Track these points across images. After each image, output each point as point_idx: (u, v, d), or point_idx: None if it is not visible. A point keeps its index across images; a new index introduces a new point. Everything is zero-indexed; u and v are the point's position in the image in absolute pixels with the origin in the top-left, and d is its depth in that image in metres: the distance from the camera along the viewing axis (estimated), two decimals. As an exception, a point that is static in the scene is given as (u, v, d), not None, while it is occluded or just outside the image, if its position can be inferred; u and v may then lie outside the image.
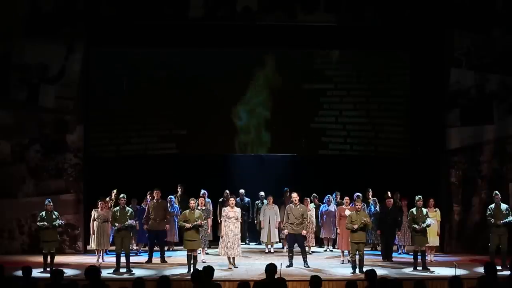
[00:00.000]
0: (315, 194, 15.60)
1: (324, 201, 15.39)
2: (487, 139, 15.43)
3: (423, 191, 13.68)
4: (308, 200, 15.00)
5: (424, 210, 13.08)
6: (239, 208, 13.58)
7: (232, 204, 13.28)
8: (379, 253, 14.57)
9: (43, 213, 12.70)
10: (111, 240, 14.03)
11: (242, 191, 15.93)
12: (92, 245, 14.06)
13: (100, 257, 13.82)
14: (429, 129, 15.80)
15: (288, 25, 15.25)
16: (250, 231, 16.25)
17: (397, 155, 16.14)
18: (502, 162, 15.42)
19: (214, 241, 15.09)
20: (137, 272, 12.45)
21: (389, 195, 14.50)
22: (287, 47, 15.84)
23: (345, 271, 12.61)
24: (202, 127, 15.96)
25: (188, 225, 12.57)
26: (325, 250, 15.58)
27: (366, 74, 16.11)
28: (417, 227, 12.83)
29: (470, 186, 15.45)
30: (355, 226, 12.45)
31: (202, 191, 14.71)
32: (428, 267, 12.75)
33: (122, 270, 12.52)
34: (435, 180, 15.61)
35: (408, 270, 12.78)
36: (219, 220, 15.22)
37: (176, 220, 14.14)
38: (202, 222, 12.98)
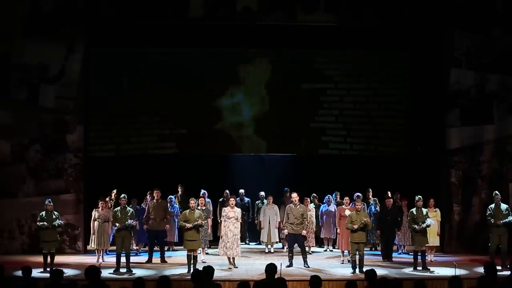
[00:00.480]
0: (315, 194, 15.61)
1: (324, 201, 15.39)
2: (487, 139, 15.43)
3: (423, 191, 13.68)
4: (308, 200, 15.01)
5: (424, 210, 13.08)
6: (239, 208, 13.58)
7: (232, 204, 13.28)
8: (379, 253, 14.57)
9: (43, 213, 12.70)
10: (111, 240, 14.03)
11: (242, 191, 15.94)
12: (92, 245, 14.06)
13: (100, 257, 13.82)
14: (429, 129, 15.80)
15: (288, 25, 15.25)
16: (250, 231, 16.25)
17: (397, 155, 16.14)
18: (502, 162, 15.41)
19: (214, 241, 15.08)
20: (137, 272, 12.45)
21: (389, 195, 14.51)
22: (287, 47, 15.83)
23: (345, 271, 12.61)
24: (202, 126, 15.96)
25: (188, 225, 12.57)
26: (325, 250, 15.58)
27: (366, 74, 16.10)
28: (417, 227, 12.83)
29: (470, 186, 15.45)
30: (355, 226, 12.45)
31: (202, 191, 14.71)
32: (428, 267, 12.75)
33: (122, 270, 12.52)
34: (435, 180, 15.61)
35: (408, 270, 12.78)
36: (219, 220, 15.23)
37: (176, 220, 14.14)
38: (203, 222, 12.99)
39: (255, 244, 16.21)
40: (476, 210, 15.33)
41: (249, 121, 16.15)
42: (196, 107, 15.90)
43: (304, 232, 13.28)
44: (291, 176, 16.31)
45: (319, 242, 15.82)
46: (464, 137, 15.43)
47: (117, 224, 12.75)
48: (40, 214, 12.76)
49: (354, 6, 15.10)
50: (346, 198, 14.24)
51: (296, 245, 13.33)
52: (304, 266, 13.01)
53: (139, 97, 15.79)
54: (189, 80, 15.90)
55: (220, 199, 15.59)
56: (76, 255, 14.59)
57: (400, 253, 14.71)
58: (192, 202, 12.88)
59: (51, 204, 12.85)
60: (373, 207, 14.95)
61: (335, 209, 14.88)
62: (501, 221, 12.87)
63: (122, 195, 13.13)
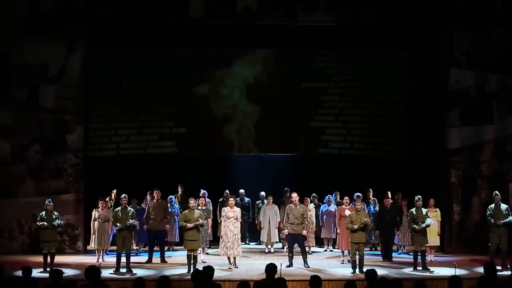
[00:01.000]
0: (315, 194, 15.60)
1: (324, 201, 15.39)
2: (487, 139, 15.43)
3: (423, 191, 13.68)
4: (308, 200, 15.01)
5: (424, 210, 13.08)
6: (238, 208, 13.57)
7: (232, 204, 13.27)
8: (379, 253, 14.57)
9: (43, 213, 12.70)
10: (111, 240, 14.03)
11: (242, 191, 15.93)
12: (93, 245, 14.05)
13: (100, 257, 13.82)
14: (429, 129, 15.80)
15: (288, 25, 15.25)
16: (250, 231, 16.25)
17: (397, 155, 16.14)
18: (502, 162, 15.42)
19: (214, 241, 15.09)
20: (137, 272, 12.45)
21: (389, 195, 14.51)
22: (287, 47, 15.84)
23: (345, 271, 12.61)
24: (202, 126, 15.97)
25: (189, 225, 12.56)
26: (325, 250, 15.58)
27: (366, 74, 16.12)
28: (416, 227, 12.83)
29: (470, 186, 15.45)
30: (355, 226, 12.45)
31: (202, 191, 14.71)
32: (428, 267, 12.75)
33: (123, 270, 12.51)
34: (435, 180, 15.61)
35: (408, 270, 12.78)
36: (219, 220, 15.23)
37: (177, 220, 14.14)
38: (204, 222, 12.99)
39: (255, 244, 16.21)
40: (476, 210, 15.33)
41: (249, 120, 16.15)
42: (196, 107, 15.91)
43: (304, 232, 13.28)
44: (291, 176, 16.31)
45: (319, 242, 15.82)
46: (464, 137, 15.43)
47: (118, 224, 12.74)
48: (40, 214, 12.75)
49: (354, 6, 15.10)
50: (346, 198, 14.24)
51: (296, 245, 13.33)
52: (304, 266, 13.01)
53: (139, 96, 15.80)
54: (189, 80, 15.92)
55: (220, 199, 15.59)
56: (76, 255, 14.59)
57: (400, 253, 14.71)
58: (192, 202, 12.87)
59: (51, 204, 12.84)
60: (372, 207, 14.95)
61: (335, 209, 14.88)
62: (501, 221, 12.87)
63: (123, 195, 13.12)
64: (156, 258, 13.83)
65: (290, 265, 13.04)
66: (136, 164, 15.88)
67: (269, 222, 15.14)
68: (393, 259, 14.04)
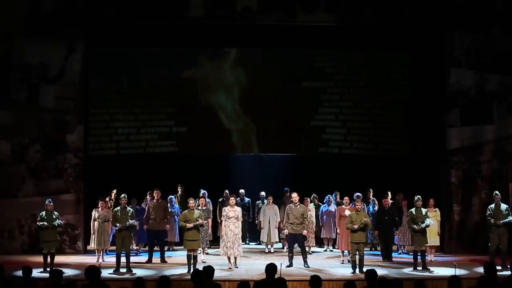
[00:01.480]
0: (315, 194, 15.60)
1: (324, 201, 15.39)
2: (487, 139, 15.43)
3: (423, 191, 13.68)
4: (308, 200, 15.01)
5: (424, 210, 13.08)
6: (239, 208, 13.57)
7: (233, 203, 13.27)
8: (379, 253, 14.57)
9: (43, 213, 12.70)
10: (111, 240, 14.03)
11: (242, 191, 15.93)
12: (93, 245, 14.06)
13: (100, 257, 13.82)
14: (429, 129, 15.80)
15: (288, 25, 15.25)
16: (250, 231, 16.25)
17: (397, 154, 16.14)
18: (502, 162, 15.42)
19: (214, 241, 15.09)
20: (137, 272, 12.45)
21: (389, 195, 14.50)
22: (287, 47, 15.84)
23: (345, 271, 12.61)
24: (201, 125, 15.97)
25: (189, 225, 12.56)
26: (325, 250, 15.58)
27: (366, 74, 16.12)
28: (416, 227, 12.83)
29: (470, 186, 15.45)
30: (355, 226, 12.45)
31: (202, 191, 14.71)
32: (428, 267, 12.75)
33: (122, 270, 12.52)
34: (435, 180, 15.61)
35: (408, 270, 12.78)
36: (219, 220, 15.24)
37: (177, 220, 14.13)
38: (204, 222, 12.99)
39: (255, 244, 16.22)
40: (476, 210, 15.33)
41: (249, 120, 16.15)
42: (195, 106, 15.92)
43: (304, 232, 13.28)
44: (291, 176, 16.31)
45: (319, 242, 15.82)
46: (464, 137, 15.43)
47: (118, 224, 12.75)
48: (40, 214, 12.76)
49: (354, 6, 15.10)
50: (346, 198, 14.24)
51: (296, 245, 13.33)
52: (304, 266, 13.01)
53: (139, 95, 15.81)
54: (188, 80, 15.92)
55: (220, 199, 15.59)
56: (76, 255, 14.59)
57: (400, 253, 14.71)
58: (191, 202, 12.87)
59: (51, 204, 12.84)
60: (371, 207, 14.95)
61: (335, 209, 14.87)
62: (501, 221, 12.87)
63: (122, 195, 13.13)
64: (156, 258, 13.83)
65: (290, 265, 13.04)
66: (136, 164, 15.88)
67: (269, 222, 15.14)
68: (393, 259, 14.04)
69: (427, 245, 13.16)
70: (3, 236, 14.96)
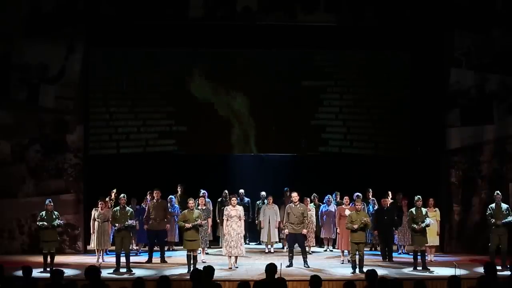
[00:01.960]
0: (315, 194, 15.60)
1: (324, 201, 15.39)
2: (487, 139, 15.42)
3: (423, 191, 13.68)
4: (308, 200, 15.01)
5: (424, 210, 13.08)
6: (241, 207, 13.56)
7: (234, 203, 13.26)
8: (379, 253, 14.57)
9: (43, 213, 12.70)
10: (111, 240, 14.03)
11: (242, 191, 15.92)
12: (92, 245, 14.07)
13: (100, 257, 13.82)
14: (429, 129, 15.80)
15: (288, 25, 15.25)
16: (250, 231, 16.23)
17: (397, 154, 16.13)
18: (502, 162, 15.41)
19: (214, 241, 15.10)
20: (137, 272, 12.45)
21: (390, 195, 14.50)
22: (287, 47, 15.83)
23: (345, 271, 12.61)
24: (201, 124, 15.97)
25: (188, 225, 12.57)
26: (325, 250, 15.58)
27: (366, 74, 16.10)
28: (416, 227, 12.83)
29: (470, 186, 15.45)
30: (355, 226, 12.45)
31: (202, 191, 14.70)
32: (428, 267, 12.75)
33: (122, 270, 12.52)
34: (435, 180, 15.61)
35: (408, 270, 12.78)
36: (218, 220, 15.25)
37: (177, 220, 14.13)
38: (202, 222, 12.99)
39: (255, 244, 16.22)
40: (476, 210, 15.33)
41: (249, 120, 16.14)
42: (195, 106, 15.93)
43: (304, 231, 13.28)
44: (291, 176, 16.31)
45: (319, 242, 15.82)
46: (464, 137, 15.42)
47: (117, 224, 12.75)
48: (40, 214, 12.76)
49: (354, 6, 15.10)
50: (346, 198, 14.24)
51: (296, 245, 13.33)
52: (304, 266, 13.01)
53: (139, 95, 15.82)
54: (188, 79, 15.92)
55: (219, 199, 15.58)
56: (76, 255, 14.59)
57: (400, 253, 14.71)
58: (191, 202, 12.87)
59: (52, 204, 12.85)
60: (371, 207, 14.95)
61: (335, 209, 14.87)
62: (501, 221, 12.87)
63: (122, 195, 13.13)
64: (156, 258, 13.82)
65: (290, 265, 13.04)
66: (136, 164, 15.88)
67: (269, 222, 15.14)
68: (393, 259, 14.03)
69: (427, 245, 13.15)
70: (3, 236, 14.96)
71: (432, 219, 13.42)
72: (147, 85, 15.83)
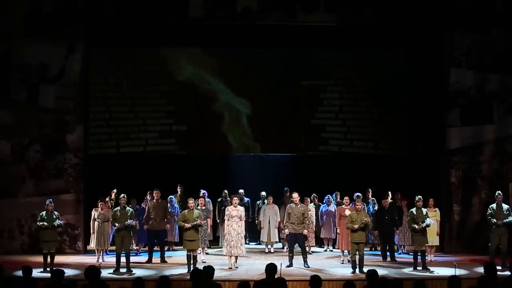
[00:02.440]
0: (315, 194, 15.59)
1: (324, 201, 15.39)
2: (487, 139, 15.43)
3: (423, 191, 13.68)
4: (308, 200, 15.01)
5: (424, 210, 13.08)
6: (242, 207, 13.57)
7: (235, 203, 13.26)
8: (379, 253, 14.57)
9: (43, 213, 12.71)
10: (111, 240, 14.03)
11: (241, 191, 15.90)
12: (92, 245, 14.07)
13: (100, 257, 13.82)
14: (429, 129, 15.80)
15: (288, 25, 15.25)
16: (250, 231, 16.21)
17: (397, 153, 16.14)
18: (502, 162, 15.42)
19: (214, 241, 15.10)
20: (137, 272, 12.45)
21: (389, 195, 14.50)
22: (287, 47, 15.83)
23: (345, 271, 12.61)
24: (201, 125, 15.98)
25: (187, 225, 12.57)
26: (325, 250, 15.58)
27: (366, 74, 16.11)
28: (416, 227, 12.83)
29: (470, 186, 15.45)
30: (356, 226, 12.45)
31: (202, 191, 14.71)
32: (428, 267, 12.75)
33: (122, 270, 12.52)
34: (435, 180, 15.61)
35: (408, 270, 12.78)
36: (218, 220, 15.25)
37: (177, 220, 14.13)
38: (202, 222, 12.99)
39: (255, 244, 16.21)
40: (476, 210, 15.33)
41: (249, 120, 16.14)
42: (195, 105, 15.94)
43: (305, 232, 13.28)
44: (291, 176, 16.31)
45: (319, 242, 15.82)
46: (464, 137, 15.43)
47: (117, 224, 12.75)
48: (41, 214, 12.76)
49: (354, 6, 15.10)
50: (346, 198, 14.25)
51: (296, 245, 13.33)
52: (304, 266, 13.01)
53: (139, 94, 15.82)
54: (188, 79, 15.93)
55: (219, 199, 15.58)
56: (76, 255, 14.59)
57: (400, 253, 14.70)
58: (191, 202, 12.88)
59: (52, 204, 12.85)
60: (371, 207, 14.95)
61: (335, 209, 14.88)
62: (502, 221, 12.87)
63: (122, 195, 13.12)
64: (156, 258, 13.82)
65: (290, 265, 13.04)
66: (136, 164, 15.88)
67: (269, 222, 15.14)
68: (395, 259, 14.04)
69: (427, 245, 13.16)
70: (3, 236, 14.96)
71: (432, 219, 13.43)
72: (147, 84, 15.82)
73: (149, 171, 15.74)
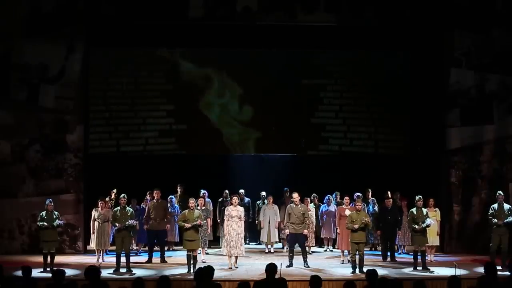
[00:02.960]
0: (315, 194, 15.59)
1: (324, 201, 15.39)
2: (487, 139, 15.43)
3: (423, 191, 13.68)
4: (308, 200, 15.01)
5: (424, 210, 13.08)
6: (242, 207, 13.57)
7: (235, 203, 13.26)
8: (379, 253, 14.57)
9: (43, 213, 12.71)
10: (111, 240, 14.03)
11: (242, 191, 15.89)
12: (92, 245, 14.07)
13: (100, 257, 13.82)
14: (429, 129, 15.80)
15: (288, 25, 15.25)
16: (250, 231, 16.22)
17: (397, 153, 16.13)
18: (502, 162, 15.42)
19: (214, 241, 15.09)
20: (137, 272, 12.45)
21: (389, 195, 14.50)
22: (287, 47, 15.83)
23: (345, 271, 12.61)
24: (201, 124, 15.97)
25: (187, 225, 12.58)
26: (325, 250, 15.58)
27: (366, 74, 16.10)
28: (416, 227, 12.83)
29: (470, 186, 15.45)
30: (356, 226, 12.45)
31: (202, 191, 14.70)
32: (428, 267, 12.75)
33: (122, 270, 12.52)
34: (435, 180, 15.61)
35: (408, 270, 12.78)
36: (218, 220, 15.24)
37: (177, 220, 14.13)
38: (202, 222, 12.99)
39: (255, 244, 16.21)
40: (476, 210, 15.33)
41: (249, 120, 16.14)
42: (195, 105, 15.93)
43: (305, 231, 13.28)
44: (291, 176, 16.31)
45: (319, 242, 15.82)
46: (464, 137, 15.43)
47: (117, 224, 12.75)
48: (41, 214, 12.76)
49: (354, 6, 15.11)
50: (346, 198, 14.25)
51: (296, 245, 13.33)
52: (304, 266, 13.01)
53: (139, 94, 15.82)
54: (188, 79, 15.93)
55: (220, 199, 15.58)
56: (76, 255, 14.59)
57: (400, 253, 14.70)
58: (191, 202, 12.88)
59: (52, 204, 12.85)
60: (371, 207, 14.95)
61: (335, 209, 14.88)
62: (503, 221, 12.88)
63: (122, 195, 13.12)
64: (156, 258, 13.82)
65: (290, 265, 13.04)
66: (136, 164, 15.88)
67: (269, 222, 15.14)
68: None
69: (427, 245, 13.16)
70: (3, 236, 14.96)
71: (432, 219, 13.43)
72: (146, 84, 15.82)
73: (149, 171, 15.73)
